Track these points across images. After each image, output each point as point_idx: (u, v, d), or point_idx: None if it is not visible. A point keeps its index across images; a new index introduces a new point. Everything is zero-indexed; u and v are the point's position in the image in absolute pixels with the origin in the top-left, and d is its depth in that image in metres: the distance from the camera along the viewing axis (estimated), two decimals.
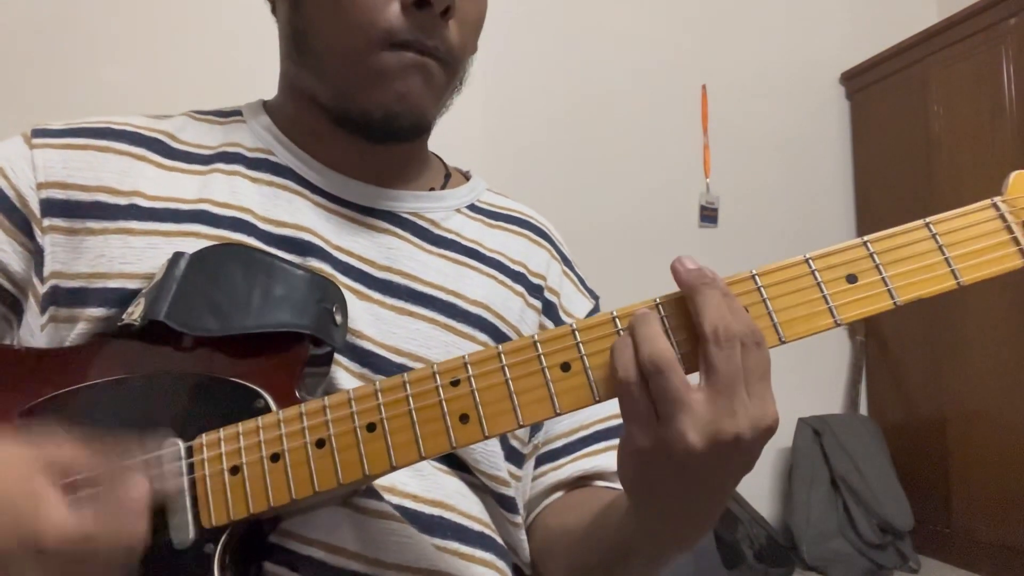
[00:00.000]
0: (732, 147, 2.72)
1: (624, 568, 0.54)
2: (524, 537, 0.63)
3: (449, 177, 0.71)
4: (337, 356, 0.55)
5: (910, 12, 2.85)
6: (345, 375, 0.55)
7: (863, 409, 2.81)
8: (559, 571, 0.62)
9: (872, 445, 2.52)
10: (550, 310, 0.68)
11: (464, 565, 0.56)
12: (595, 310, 0.73)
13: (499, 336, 0.62)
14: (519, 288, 0.66)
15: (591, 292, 0.74)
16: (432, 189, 0.68)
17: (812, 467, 2.50)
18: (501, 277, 0.65)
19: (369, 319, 0.57)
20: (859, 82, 2.85)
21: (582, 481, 0.66)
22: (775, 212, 2.76)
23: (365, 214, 0.62)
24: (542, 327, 0.67)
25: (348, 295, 0.56)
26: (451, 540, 0.55)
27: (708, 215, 2.70)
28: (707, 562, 2.15)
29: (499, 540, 0.60)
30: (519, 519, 0.62)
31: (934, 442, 2.50)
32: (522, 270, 0.67)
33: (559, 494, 0.66)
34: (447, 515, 0.56)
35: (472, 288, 0.62)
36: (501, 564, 0.59)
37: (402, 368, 0.56)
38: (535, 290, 0.67)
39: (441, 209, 0.66)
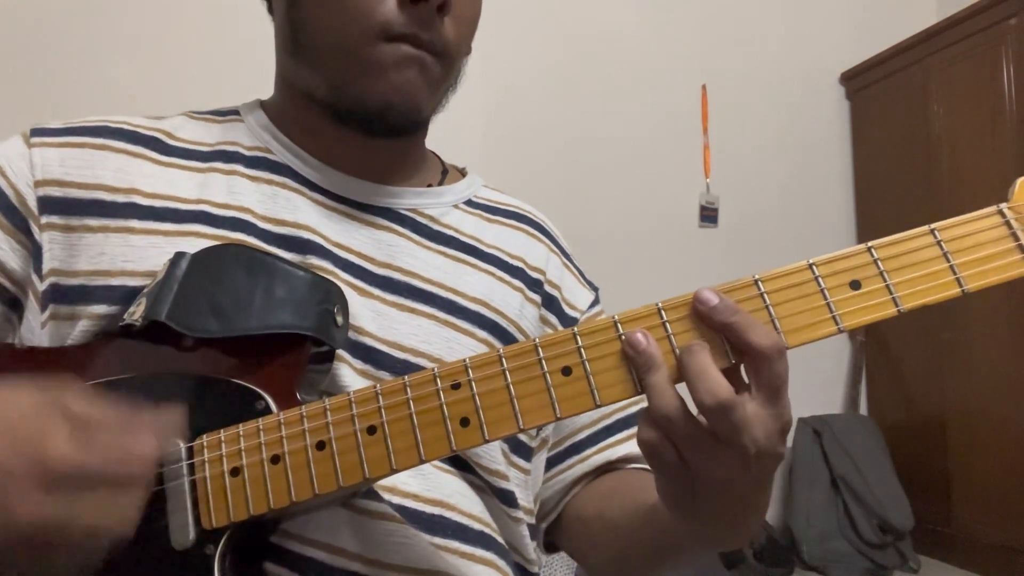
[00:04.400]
0: (732, 147, 2.72)
1: (673, 561, 0.56)
2: (526, 532, 0.63)
3: (446, 173, 0.71)
4: (339, 352, 0.55)
5: (910, 12, 2.86)
6: (348, 371, 0.55)
7: (863, 409, 2.81)
8: (603, 560, 0.63)
9: (872, 445, 2.52)
10: (551, 304, 0.68)
11: (465, 564, 0.56)
12: (596, 301, 0.73)
13: (499, 332, 0.62)
14: (517, 283, 0.66)
15: (591, 283, 0.74)
16: (430, 185, 0.68)
17: (812, 467, 2.50)
18: (499, 273, 0.65)
19: (370, 315, 0.57)
20: (859, 82, 2.85)
21: (610, 466, 0.67)
22: (775, 212, 2.76)
23: (364, 211, 0.63)
24: (543, 320, 0.67)
25: (349, 291, 0.56)
26: (452, 539, 0.56)
27: (708, 215, 2.70)
28: (707, 562, 2.15)
29: (499, 539, 0.60)
30: (520, 514, 0.62)
31: (934, 442, 2.51)
32: (520, 265, 0.67)
33: (586, 482, 0.67)
34: (447, 514, 0.56)
35: (471, 284, 0.63)
36: (502, 563, 0.59)
37: (404, 363, 0.57)
38: (534, 284, 0.68)
39: (439, 205, 0.67)
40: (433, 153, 0.74)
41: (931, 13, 2.86)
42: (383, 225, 0.62)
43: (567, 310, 0.69)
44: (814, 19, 2.86)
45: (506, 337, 0.63)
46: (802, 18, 2.85)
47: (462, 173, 0.74)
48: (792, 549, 2.41)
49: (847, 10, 2.89)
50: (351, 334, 0.56)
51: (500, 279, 0.65)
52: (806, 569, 2.38)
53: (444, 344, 0.59)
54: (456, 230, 0.66)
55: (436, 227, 0.65)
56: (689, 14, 2.73)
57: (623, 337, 0.44)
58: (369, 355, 0.56)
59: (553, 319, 0.68)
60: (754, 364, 0.42)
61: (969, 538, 2.38)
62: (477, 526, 0.58)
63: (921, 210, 2.55)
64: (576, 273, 0.73)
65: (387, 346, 0.57)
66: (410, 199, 0.65)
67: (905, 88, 2.65)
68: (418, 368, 0.57)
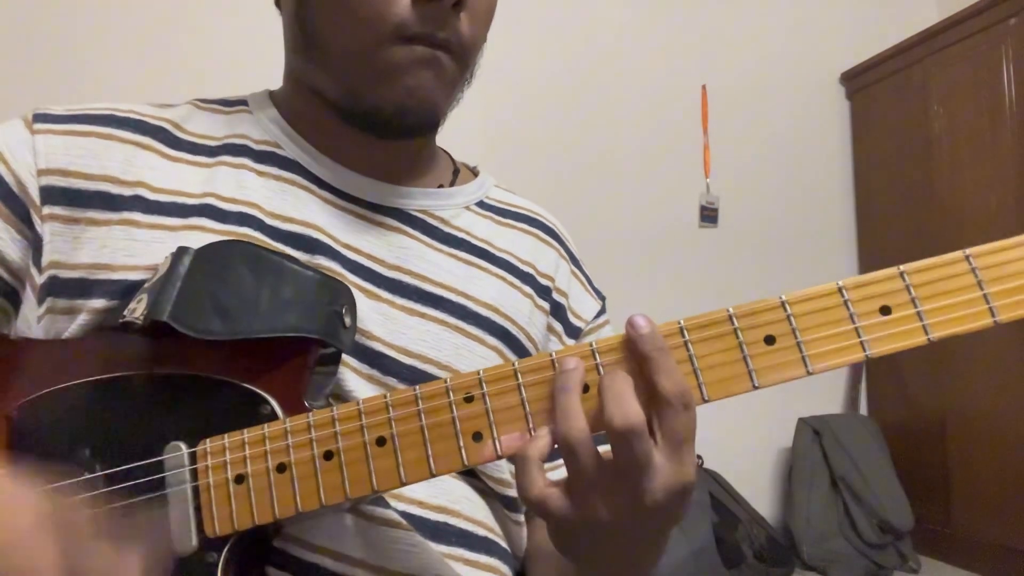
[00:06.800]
0: (732, 147, 2.72)
1: None
2: (525, 534, 0.63)
3: (458, 173, 0.70)
4: (345, 357, 0.54)
5: (910, 12, 2.85)
6: (353, 376, 0.54)
7: (863, 409, 2.81)
8: None
9: (872, 445, 2.52)
10: (558, 312, 0.68)
11: (470, 572, 0.55)
12: (602, 311, 0.72)
13: (509, 339, 0.61)
14: (528, 289, 0.65)
15: (598, 292, 0.73)
16: (441, 186, 0.67)
17: (812, 467, 2.50)
18: (510, 278, 0.64)
19: (378, 319, 0.56)
20: (859, 82, 2.85)
21: None
22: (775, 212, 2.76)
23: (374, 211, 0.61)
24: (550, 328, 0.66)
25: (357, 294, 0.55)
26: (456, 546, 0.55)
27: (708, 215, 2.69)
28: (707, 562, 2.15)
29: (503, 544, 0.59)
30: (521, 518, 0.62)
31: (934, 442, 2.50)
32: (531, 271, 0.66)
33: None
34: (452, 521, 0.55)
35: (482, 289, 0.62)
36: (505, 569, 0.59)
37: (412, 369, 0.56)
38: (543, 291, 0.67)
39: (451, 207, 0.65)
40: (444, 152, 0.72)
41: (931, 13, 2.86)
42: (393, 226, 0.61)
43: (572, 319, 0.68)
44: (814, 19, 2.85)
45: (516, 344, 0.62)
46: (802, 18, 2.84)
47: (474, 172, 0.72)
48: (792, 549, 2.40)
49: (847, 10, 2.88)
50: (358, 338, 0.55)
51: (511, 284, 0.64)
52: (806, 569, 2.37)
53: (453, 350, 0.58)
54: (468, 232, 0.65)
55: (447, 229, 0.64)
56: (689, 14, 2.72)
57: (554, 360, 0.43)
58: (376, 360, 0.55)
59: (559, 327, 0.67)
60: (658, 410, 0.41)
61: (969, 538, 2.38)
62: (482, 531, 0.57)
63: (921, 210, 2.54)
64: (584, 281, 0.72)
65: (395, 351, 0.56)
66: (421, 200, 0.64)
67: (905, 88, 2.65)
68: (425, 375, 0.56)
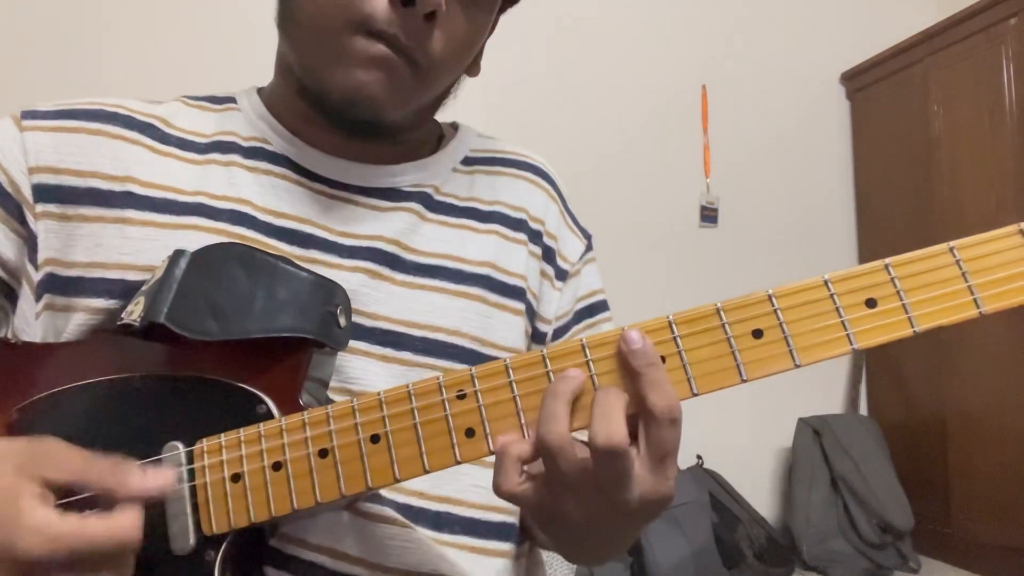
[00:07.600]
0: (732, 147, 2.72)
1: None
2: None
3: (443, 138, 0.70)
4: (357, 344, 0.55)
5: (910, 12, 2.85)
6: (366, 360, 0.55)
7: (863, 409, 2.81)
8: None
9: (872, 445, 2.52)
10: (549, 255, 0.68)
11: (474, 559, 0.56)
12: (588, 248, 0.72)
13: (509, 291, 0.63)
14: (521, 236, 0.66)
15: (583, 231, 0.73)
16: (423, 157, 0.67)
17: (812, 467, 2.50)
18: (502, 230, 0.65)
19: (382, 298, 0.57)
20: (859, 82, 2.85)
21: None
22: (775, 212, 2.76)
23: (367, 195, 0.62)
24: (543, 273, 0.67)
25: (358, 276, 0.57)
26: (461, 535, 0.56)
27: (708, 215, 2.69)
28: (707, 562, 2.15)
29: (517, 522, 0.61)
30: None
31: (934, 442, 2.51)
32: (523, 216, 0.67)
33: None
34: (455, 510, 0.56)
35: (474, 250, 0.63)
36: (517, 550, 0.60)
37: (424, 340, 0.57)
38: (535, 236, 0.67)
39: (440, 173, 0.66)
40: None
41: (931, 13, 2.85)
42: (387, 207, 0.62)
43: (560, 263, 0.69)
44: (814, 19, 2.85)
45: (517, 294, 0.63)
46: (802, 18, 2.84)
47: (454, 128, 0.72)
48: (792, 549, 2.41)
49: (847, 10, 2.88)
50: (366, 320, 0.56)
51: (504, 236, 0.65)
52: (806, 569, 2.38)
53: (459, 315, 0.59)
54: (455, 196, 0.65)
55: (438, 197, 0.64)
56: (689, 14, 2.72)
57: (544, 357, 0.44)
58: (387, 339, 0.56)
59: (550, 271, 0.67)
60: (645, 423, 0.42)
61: (969, 538, 2.38)
62: (497, 517, 0.58)
63: (921, 210, 2.55)
64: (571, 222, 0.73)
65: (403, 326, 0.57)
66: (411, 174, 0.64)
67: (905, 88, 2.65)
68: (437, 343, 0.58)
